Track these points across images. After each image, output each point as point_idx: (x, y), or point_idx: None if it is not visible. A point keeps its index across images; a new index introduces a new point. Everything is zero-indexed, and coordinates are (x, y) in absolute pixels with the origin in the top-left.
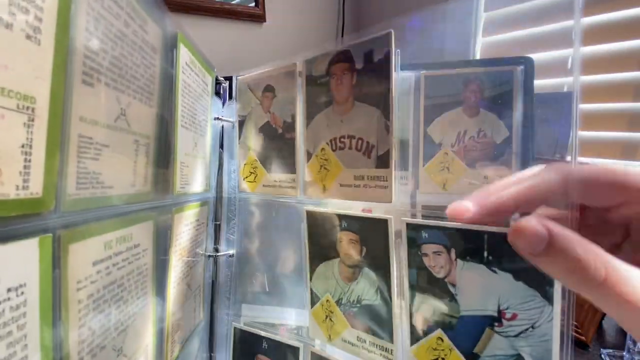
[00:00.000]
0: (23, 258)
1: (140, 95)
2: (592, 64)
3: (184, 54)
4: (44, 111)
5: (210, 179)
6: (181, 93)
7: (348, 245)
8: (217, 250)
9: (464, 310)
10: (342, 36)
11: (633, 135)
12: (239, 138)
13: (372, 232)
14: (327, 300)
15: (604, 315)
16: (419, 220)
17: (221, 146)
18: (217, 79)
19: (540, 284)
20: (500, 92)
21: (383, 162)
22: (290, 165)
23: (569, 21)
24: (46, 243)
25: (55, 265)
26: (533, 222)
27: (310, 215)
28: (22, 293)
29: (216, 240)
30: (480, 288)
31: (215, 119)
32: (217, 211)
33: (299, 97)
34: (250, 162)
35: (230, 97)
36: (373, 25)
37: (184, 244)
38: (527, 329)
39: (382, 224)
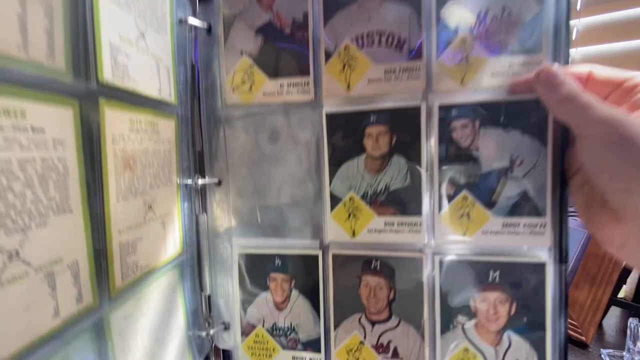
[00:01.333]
0: None
1: None
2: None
3: None
4: None
5: (177, 92)
6: None
7: (377, 138)
8: (198, 178)
9: (484, 169)
10: None
11: None
12: (225, 41)
13: (403, 121)
14: (351, 198)
15: (603, 315)
16: (450, 101)
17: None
18: None
19: (539, 132)
20: None
21: (416, 54)
22: (303, 67)
23: None
24: None
25: None
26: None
27: (331, 118)
28: None
29: (199, 168)
30: (497, 147)
31: (180, 21)
32: (195, 135)
33: None
34: (244, 69)
35: None
36: None
37: (132, 153)
38: (530, 170)
39: (415, 111)
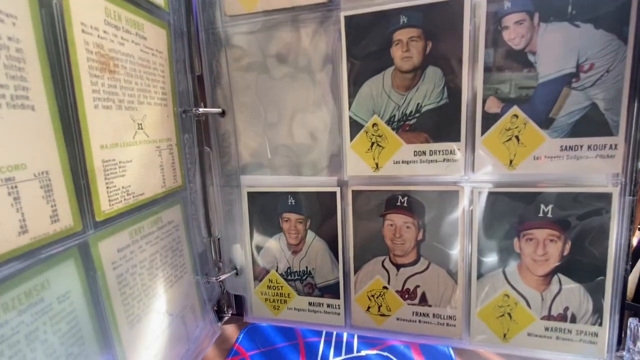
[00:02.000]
0: None
1: None
2: None
3: None
4: None
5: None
6: None
7: (408, 44)
8: (199, 106)
9: (542, 77)
10: None
11: None
12: None
13: (440, 21)
14: (374, 124)
15: None
16: None
17: None
18: None
19: (618, 26)
20: None
21: None
22: None
23: None
24: None
25: None
26: None
27: (351, 22)
28: None
29: (198, 95)
30: (561, 47)
31: None
32: (193, 56)
33: None
34: None
35: None
36: None
37: (110, 53)
38: (602, 75)
39: (457, 4)
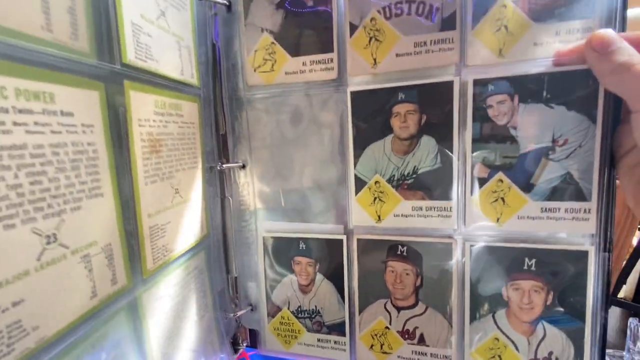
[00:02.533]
0: None
1: None
2: None
3: None
4: None
5: (199, 72)
6: None
7: (405, 117)
8: (222, 162)
9: (522, 149)
10: None
11: None
12: (245, 17)
13: (433, 98)
14: (376, 182)
15: None
16: (486, 75)
17: (215, 36)
18: None
19: (588, 109)
20: None
21: (449, 24)
22: (326, 42)
23: None
24: None
25: None
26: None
27: (356, 96)
28: None
29: (222, 152)
30: (538, 125)
31: None
32: (218, 117)
33: None
34: (265, 47)
35: None
36: None
37: (157, 137)
38: (575, 149)
39: (447, 85)
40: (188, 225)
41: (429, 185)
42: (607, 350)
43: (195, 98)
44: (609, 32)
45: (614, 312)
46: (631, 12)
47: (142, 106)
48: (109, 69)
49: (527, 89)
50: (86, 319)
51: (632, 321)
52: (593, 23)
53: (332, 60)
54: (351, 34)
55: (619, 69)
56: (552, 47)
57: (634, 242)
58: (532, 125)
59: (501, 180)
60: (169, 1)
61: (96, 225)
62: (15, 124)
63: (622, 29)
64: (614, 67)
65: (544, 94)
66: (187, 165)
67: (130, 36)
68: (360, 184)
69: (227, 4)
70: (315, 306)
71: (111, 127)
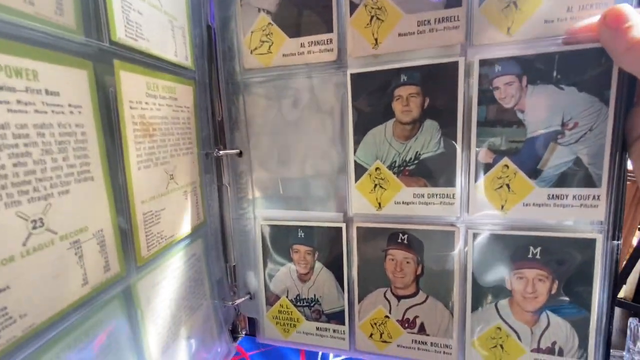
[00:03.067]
0: None
1: None
2: None
3: None
4: None
5: (194, 54)
6: None
7: (407, 100)
8: (219, 149)
9: (530, 133)
10: None
11: None
12: None
13: (437, 80)
14: (377, 168)
15: None
16: (493, 55)
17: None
18: None
19: (600, 90)
20: None
21: (455, 1)
22: (325, 22)
23: None
24: None
25: None
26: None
27: (356, 79)
28: None
29: (219, 138)
30: (547, 107)
31: None
32: (214, 102)
33: None
34: (262, 28)
35: None
36: None
37: (150, 120)
38: (585, 133)
39: (452, 66)
40: (184, 212)
41: (432, 172)
42: None
43: (190, 81)
44: (626, 7)
45: (614, 312)
46: None
47: (134, 88)
48: (97, 47)
49: (536, 69)
50: (77, 307)
51: (632, 321)
52: None
53: (331, 40)
54: (351, 12)
55: (636, 46)
56: (564, 24)
57: (634, 242)
58: (540, 108)
59: (507, 166)
60: None
61: (86, 211)
62: None
63: (639, 4)
64: (630, 44)
65: (554, 74)
66: (182, 151)
67: (119, 13)
68: (360, 170)
69: None
70: (314, 295)
71: (100, 109)
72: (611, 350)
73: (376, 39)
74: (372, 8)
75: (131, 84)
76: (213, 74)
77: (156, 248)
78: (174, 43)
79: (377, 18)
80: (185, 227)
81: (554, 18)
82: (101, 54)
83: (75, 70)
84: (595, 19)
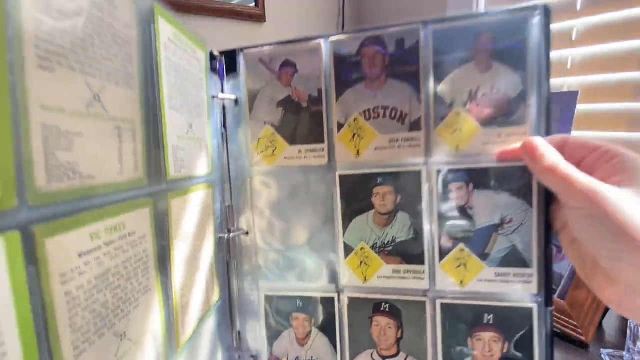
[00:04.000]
0: None
1: (117, 77)
2: (592, 64)
3: (164, 28)
4: None
5: (213, 161)
6: (165, 72)
7: (384, 197)
8: (229, 230)
9: (478, 225)
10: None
11: (633, 135)
12: (250, 112)
13: (406, 182)
14: (362, 248)
15: (604, 315)
16: (449, 166)
17: (224, 126)
18: (211, 54)
19: (526, 194)
20: (514, 43)
21: (416, 126)
22: (318, 136)
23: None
24: (13, 240)
25: (29, 261)
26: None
27: (343, 179)
28: None
29: (229, 221)
30: (489, 207)
31: (212, 97)
32: (225, 193)
33: (329, 72)
34: (267, 136)
35: (229, 72)
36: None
37: (187, 228)
38: (518, 227)
39: (416, 173)
40: (204, 291)
41: (405, 252)
42: (608, 350)
43: (212, 184)
44: (537, 139)
45: (614, 312)
46: (631, 12)
47: (179, 211)
48: (157, 188)
49: (479, 178)
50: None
51: (632, 321)
52: (526, 129)
53: (323, 149)
54: (338, 130)
55: (547, 171)
56: (496, 146)
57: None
58: (485, 207)
59: (462, 250)
60: (194, 114)
61: (148, 316)
62: (105, 255)
63: (547, 133)
64: (542, 168)
65: (492, 182)
66: (203, 238)
67: (172, 156)
68: (348, 249)
69: (235, 99)
70: (312, 356)
71: (157, 234)
72: (611, 350)
73: (358, 150)
74: (355, 128)
75: (178, 208)
76: (224, 170)
77: (186, 336)
78: (205, 160)
79: (358, 135)
80: (204, 306)
81: (489, 141)
82: (159, 192)
83: (142, 209)
84: (518, 144)
